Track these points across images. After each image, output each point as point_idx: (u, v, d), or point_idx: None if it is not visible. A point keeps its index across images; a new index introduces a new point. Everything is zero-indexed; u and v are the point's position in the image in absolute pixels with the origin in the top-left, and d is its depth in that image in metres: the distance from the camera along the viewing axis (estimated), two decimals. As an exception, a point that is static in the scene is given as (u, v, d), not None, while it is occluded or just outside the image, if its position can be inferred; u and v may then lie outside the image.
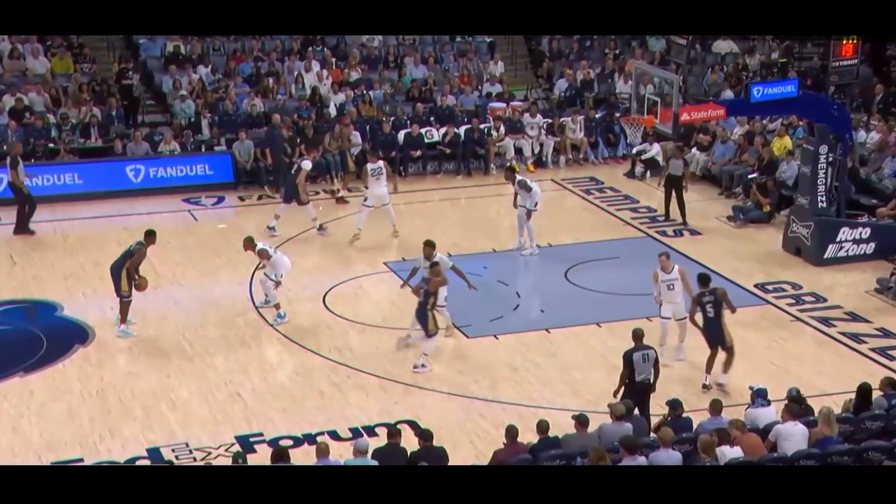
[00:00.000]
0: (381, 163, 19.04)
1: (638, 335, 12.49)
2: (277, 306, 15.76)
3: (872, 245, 17.91)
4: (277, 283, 15.78)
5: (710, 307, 13.52)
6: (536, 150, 23.43)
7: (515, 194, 18.36)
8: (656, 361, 12.34)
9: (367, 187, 19.00)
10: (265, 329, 15.56)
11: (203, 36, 24.55)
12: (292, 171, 19.17)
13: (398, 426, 12.24)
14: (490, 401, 13.55)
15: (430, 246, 14.93)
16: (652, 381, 12.34)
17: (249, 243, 15.97)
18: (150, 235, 15.55)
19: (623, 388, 12.32)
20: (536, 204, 18.05)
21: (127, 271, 15.14)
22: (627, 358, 12.25)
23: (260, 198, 21.49)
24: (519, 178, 18.34)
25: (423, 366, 14.17)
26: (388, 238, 18.99)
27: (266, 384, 14.00)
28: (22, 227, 19.29)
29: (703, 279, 13.88)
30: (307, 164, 19.12)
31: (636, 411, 11.84)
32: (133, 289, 15.21)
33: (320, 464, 10.34)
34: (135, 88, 23.70)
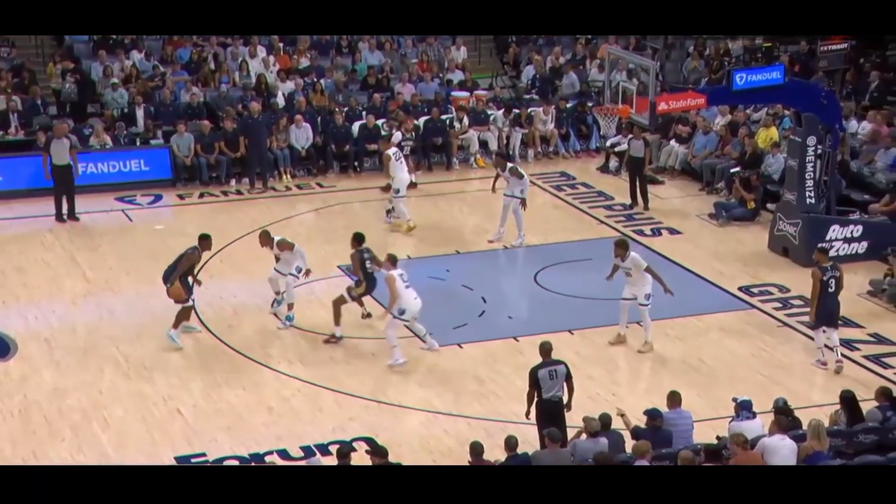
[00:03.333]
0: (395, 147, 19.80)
1: (545, 350, 12.46)
2: (291, 306, 15.77)
3: (865, 244, 18.11)
4: (308, 272, 15.76)
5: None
6: (503, 143, 23.49)
7: (496, 178, 19.13)
8: (568, 377, 12.31)
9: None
10: (208, 340, 15.48)
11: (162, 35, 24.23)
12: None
13: (353, 444, 12.25)
14: (454, 415, 13.57)
15: (621, 247, 15.04)
16: (566, 399, 12.32)
17: (267, 238, 15.85)
18: (205, 240, 15.44)
19: (535, 407, 12.27)
20: (523, 191, 18.51)
21: (179, 279, 15.04)
22: (532, 375, 12.23)
23: (202, 196, 21.37)
24: (510, 164, 19.01)
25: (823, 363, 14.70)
26: (343, 238, 18.96)
27: (209, 400, 13.92)
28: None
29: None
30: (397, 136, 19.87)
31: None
32: (191, 292, 15.14)
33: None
34: (69, 92, 23.24)
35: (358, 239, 15.43)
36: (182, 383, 14.30)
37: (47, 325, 15.88)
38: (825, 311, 14.52)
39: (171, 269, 15.18)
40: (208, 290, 16.93)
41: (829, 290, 14.42)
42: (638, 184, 20.65)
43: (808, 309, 16.28)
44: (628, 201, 20.68)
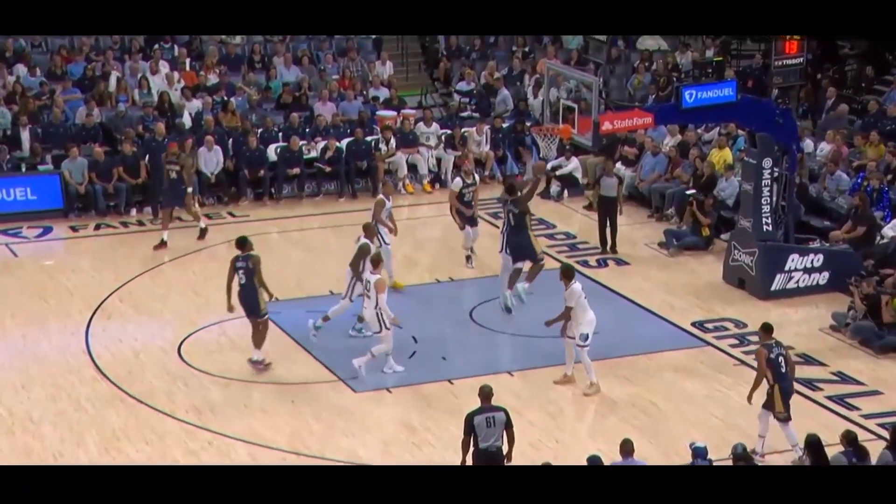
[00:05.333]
0: None
1: (485, 394, 12.43)
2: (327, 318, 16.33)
3: (826, 274, 18.40)
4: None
5: (243, 273, 15.48)
6: (433, 167, 23.57)
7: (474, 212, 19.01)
8: (508, 425, 12.27)
9: None
10: (105, 389, 15.28)
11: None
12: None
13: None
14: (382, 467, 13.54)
15: (567, 276, 15.13)
16: (506, 450, 12.27)
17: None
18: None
19: (471, 457, 12.21)
20: None
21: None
22: (468, 421, 12.21)
23: (97, 227, 21.15)
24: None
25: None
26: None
27: (107, 456, 13.74)
28: None
29: None
30: (457, 182, 19.34)
31: None
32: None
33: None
34: None
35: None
36: (75, 437, 14.09)
37: (-79, 374, 15.59)
38: (784, 396, 13.43)
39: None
40: (105, 333, 16.74)
41: (781, 369, 13.42)
42: (608, 224, 20.09)
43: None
44: (598, 247, 20.17)
